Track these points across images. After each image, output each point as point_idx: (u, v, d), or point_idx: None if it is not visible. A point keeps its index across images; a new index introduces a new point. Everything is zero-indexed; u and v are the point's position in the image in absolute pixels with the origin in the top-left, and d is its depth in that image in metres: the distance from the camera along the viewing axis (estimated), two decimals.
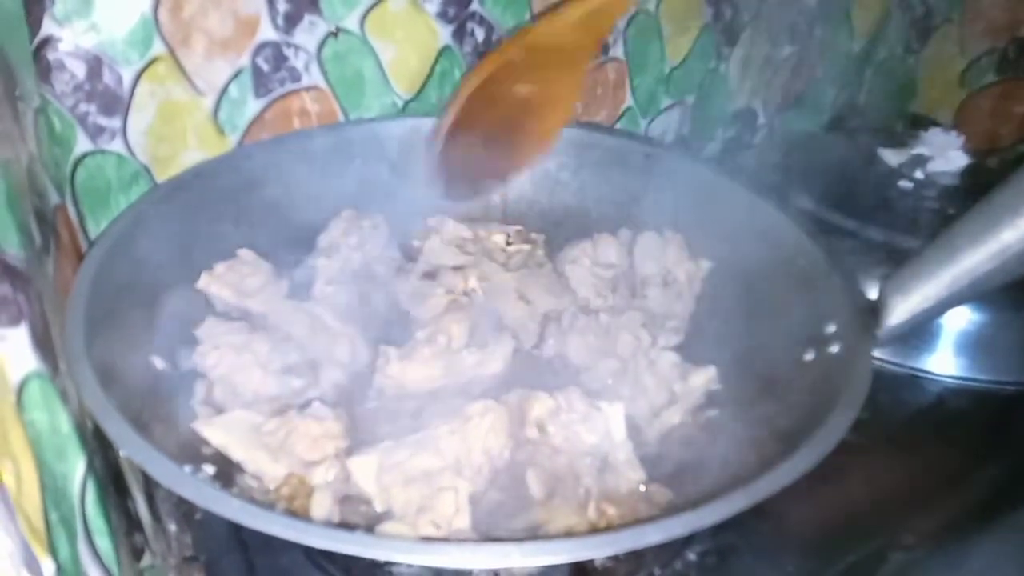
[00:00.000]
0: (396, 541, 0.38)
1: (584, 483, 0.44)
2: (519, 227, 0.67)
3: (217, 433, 0.45)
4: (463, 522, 0.41)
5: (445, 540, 0.40)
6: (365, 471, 0.43)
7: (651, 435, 0.51)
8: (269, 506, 0.41)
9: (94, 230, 0.57)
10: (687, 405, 0.52)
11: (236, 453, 0.45)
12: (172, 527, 0.51)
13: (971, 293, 0.44)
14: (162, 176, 0.59)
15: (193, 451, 0.44)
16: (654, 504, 0.45)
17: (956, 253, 0.43)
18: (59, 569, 0.29)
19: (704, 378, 0.53)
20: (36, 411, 0.32)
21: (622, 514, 0.43)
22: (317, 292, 0.57)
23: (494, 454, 0.44)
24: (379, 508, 0.42)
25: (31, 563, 0.28)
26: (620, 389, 0.52)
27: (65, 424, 0.33)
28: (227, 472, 0.45)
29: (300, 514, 0.42)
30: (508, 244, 0.66)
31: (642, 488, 0.46)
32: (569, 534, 0.42)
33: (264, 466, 0.44)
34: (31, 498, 0.29)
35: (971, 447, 0.58)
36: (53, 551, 0.29)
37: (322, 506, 0.43)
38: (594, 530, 0.42)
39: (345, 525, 0.41)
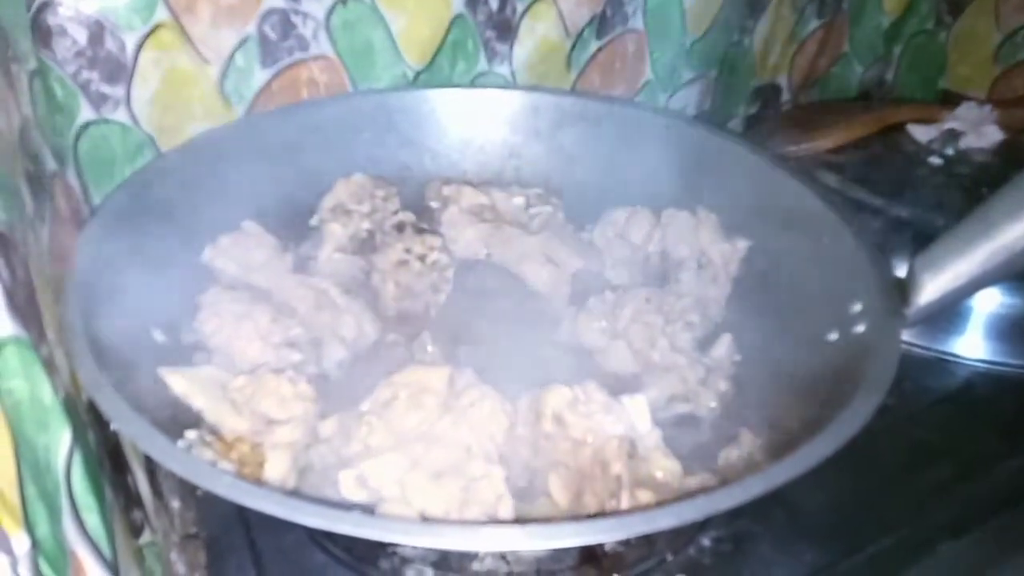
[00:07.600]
0: (400, 523, 0.37)
1: (614, 469, 0.41)
2: (538, 190, 0.65)
3: (180, 381, 0.43)
4: (507, 509, 0.39)
5: (449, 521, 0.38)
6: (382, 473, 0.40)
7: (705, 404, 0.49)
8: (261, 483, 0.40)
9: (98, 201, 0.56)
10: (725, 374, 0.51)
11: (197, 401, 0.43)
12: (175, 504, 0.50)
13: (1006, 271, 0.42)
14: (168, 147, 0.58)
15: (184, 425, 0.42)
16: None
17: (992, 227, 0.41)
18: (35, 545, 0.28)
19: (724, 347, 0.52)
20: (14, 379, 0.31)
21: (660, 500, 0.40)
22: (324, 258, 0.56)
23: (499, 441, 0.42)
24: (407, 509, 0.40)
25: (1, 538, 0.27)
26: (652, 375, 0.50)
27: (48, 394, 0.32)
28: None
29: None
30: (528, 207, 0.64)
31: (679, 475, 0.42)
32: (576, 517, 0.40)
33: (224, 418, 0.42)
34: (5, 470, 0.28)
35: (1001, 434, 0.56)
36: (29, 527, 0.28)
37: (278, 467, 0.41)
38: (602, 514, 0.40)
39: (341, 504, 0.39)
